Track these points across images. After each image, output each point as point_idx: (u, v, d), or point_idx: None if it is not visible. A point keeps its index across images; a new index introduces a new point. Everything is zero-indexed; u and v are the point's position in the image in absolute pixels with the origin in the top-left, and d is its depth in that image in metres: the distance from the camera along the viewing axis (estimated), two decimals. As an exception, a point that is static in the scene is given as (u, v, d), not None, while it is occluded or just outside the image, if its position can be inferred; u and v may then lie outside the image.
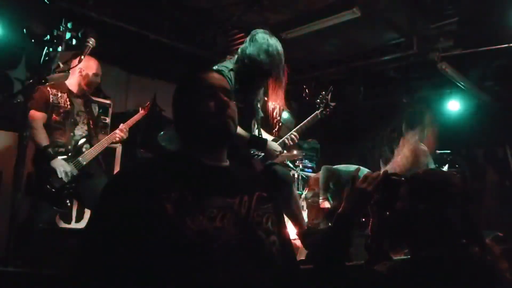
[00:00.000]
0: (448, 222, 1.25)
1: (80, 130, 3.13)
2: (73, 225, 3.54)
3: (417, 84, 5.92)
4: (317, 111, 2.98)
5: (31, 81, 2.52)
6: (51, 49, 2.96)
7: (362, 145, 5.55)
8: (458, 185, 1.31)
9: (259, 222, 1.17)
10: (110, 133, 3.27)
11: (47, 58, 2.77)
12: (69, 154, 3.01)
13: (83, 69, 3.15)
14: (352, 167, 4.06)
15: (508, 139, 5.79)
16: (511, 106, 5.55)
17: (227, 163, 1.28)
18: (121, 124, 3.30)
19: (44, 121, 2.97)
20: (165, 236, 1.01)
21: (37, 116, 2.94)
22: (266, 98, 2.99)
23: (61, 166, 2.90)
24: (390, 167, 3.57)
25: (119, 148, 4.04)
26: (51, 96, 3.01)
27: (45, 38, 2.85)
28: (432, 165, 3.78)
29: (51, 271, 1.87)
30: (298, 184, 4.90)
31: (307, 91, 6.13)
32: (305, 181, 5.19)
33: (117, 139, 3.21)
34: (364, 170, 3.92)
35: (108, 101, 4.17)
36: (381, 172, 1.42)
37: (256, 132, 2.74)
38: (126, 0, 4.30)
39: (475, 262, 1.20)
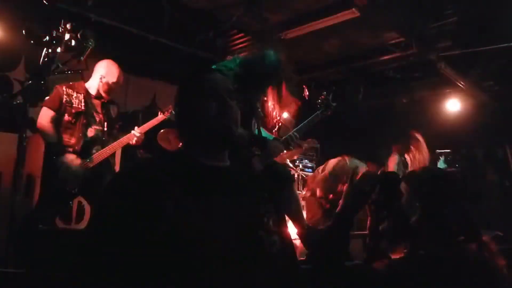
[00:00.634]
0: (446, 219, 1.26)
1: (93, 132, 3.10)
2: (73, 225, 3.54)
3: (416, 84, 5.93)
4: (318, 112, 2.98)
5: (30, 82, 2.52)
6: (50, 50, 2.95)
7: (361, 144, 5.54)
8: (456, 183, 1.32)
9: (260, 222, 1.17)
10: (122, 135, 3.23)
11: (46, 59, 2.77)
12: (77, 155, 3.00)
13: (104, 76, 3.14)
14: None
15: (507, 139, 5.80)
16: (510, 106, 5.56)
17: (227, 163, 1.27)
18: (136, 127, 3.22)
19: (54, 119, 2.98)
20: (165, 236, 1.01)
21: (46, 113, 2.97)
22: (265, 98, 2.99)
23: (69, 162, 2.89)
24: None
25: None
26: (64, 96, 3.02)
27: (44, 39, 2.85)
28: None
29: (51, 271, 1.87)
30: (298, 184, 4.90)
31: (306, 91, 6.12)
32: (305, 180, 5.18)
33: (133, 143, 3.17)
34: (356, 162, 3.92)
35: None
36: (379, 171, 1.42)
37: (256, 132, 2.74)
38: (125, 1, 4.30)
39: (473, 259, 1.20)
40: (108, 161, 3.15)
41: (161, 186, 1.07)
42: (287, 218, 2.69)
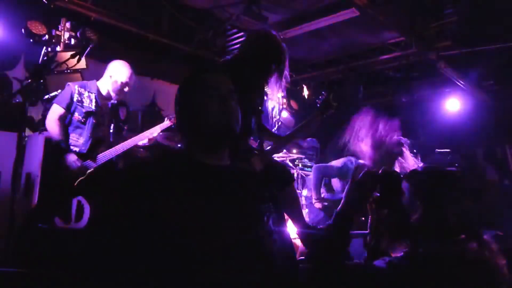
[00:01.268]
0: (446, 218, 1.26)
1: (102, 132, 3.08)
2: (73, 225, 3.53)
3: (416, 83, 5.93)
4: (317, 111, 2.97)
5: (29, 81, 2.51)
6: (49, 49, 2.96)
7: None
8: (457, 181, 1.32)
9: (259, 221, 1.17)
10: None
11: (45, 58, 2.76)
12: (82, 154, 2.97)
13: (113, 75, 3.09)
14: (341, 159, 4.05)
15: (507, 138, 5.80)
16: (510, 105, 5.56)
17: (228, 162, 1.27)
18: (146, 131, 3.16)
19: (62, 117, 2.94)
20: (166, 235, 1.01)
21: (56, 110, 2.92)
22: (265, 97, 2.98)
23: (73, 162, 2.88)
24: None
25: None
26: (75, 94, 2.97)
27: (44, 38, 2.85)
28: None
29: (51, 271, 1.87)
30: (298, 183, 4.90)
31: (306, 90, 6.13)
32: (305, 180, 5.19)
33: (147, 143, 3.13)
34: (353, 158, 3.91)
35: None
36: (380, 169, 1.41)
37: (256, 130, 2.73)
38: (125, 0, 4.30)
39: (473, 258, 1.20)
40: (110, 162, 3.14)
41: (162, 185, 1.07)
42: (286, 217, 2.69)
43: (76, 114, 2.98)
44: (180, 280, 0.99)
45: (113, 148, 3.04)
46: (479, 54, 4.72)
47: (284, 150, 2.80)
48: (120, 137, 3.17)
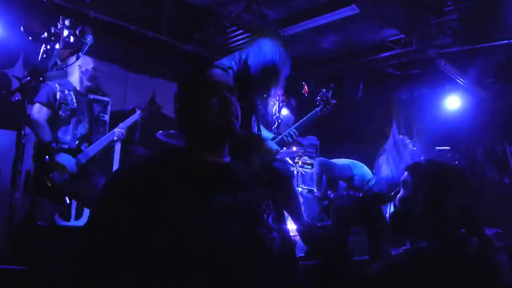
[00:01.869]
0: (448, 212, 1.26)
1: (83, 129, 3.13)
2: (72, 222, 3.54)
3: (416, 81, 5.92)
4: (317, 108, 2.98)
5: (28, 79, 2.50)
6: (48, 47, 2.94)
7: (361, 141, 5.54)
8: (458, 176, 1.32)
9: (259, 219, 1.17)
10: (108, 131, 3.26)
11: (44, 55, 2.75)
12: (72, 151, 3.00)
13: (82, 65, 3.15)
14: (345, 161, 4.08)
15: (507, 136, 5.79)
16: (510, 103, 5.55)
17: (228, 160, 1.27)
18: (120, 124, 3.28)
19: (49, 117, 2.97)
20: (165, 234, 1.00)
21: (42, 111, 2.95)
22: (265, 95, 2.98)
23: (68, 160, 2.89)
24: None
25: (117, 146, 4.03)
26: (58, 93, 3.01)
27: (43, 36, 2.83)
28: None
29: (51, 270, 1.86)
30: (297, 181, 4.90)
31: (306, 88, 6.12)
32: (304, 177, 5.19)
33: (115, 138, 3.20)
34: (358, 164, 3.93)
35: (106, 99, 4.16)
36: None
37: (256, 129, 2.73)
38: (124, -2, 4.29)
39: (473, 253, 1.20)
40: (95, 160, 3.15)
41: (161, 182, 1.07)
42: (286, 214, 2.69)
43: (59, 112, 3.01)
44: (180, 278, 0.98)
45: (95, 143, 3.10)
46: (479, 51, 4.71)
47: (284, 148, 2.80)
48: (98, 133, 3.22)
